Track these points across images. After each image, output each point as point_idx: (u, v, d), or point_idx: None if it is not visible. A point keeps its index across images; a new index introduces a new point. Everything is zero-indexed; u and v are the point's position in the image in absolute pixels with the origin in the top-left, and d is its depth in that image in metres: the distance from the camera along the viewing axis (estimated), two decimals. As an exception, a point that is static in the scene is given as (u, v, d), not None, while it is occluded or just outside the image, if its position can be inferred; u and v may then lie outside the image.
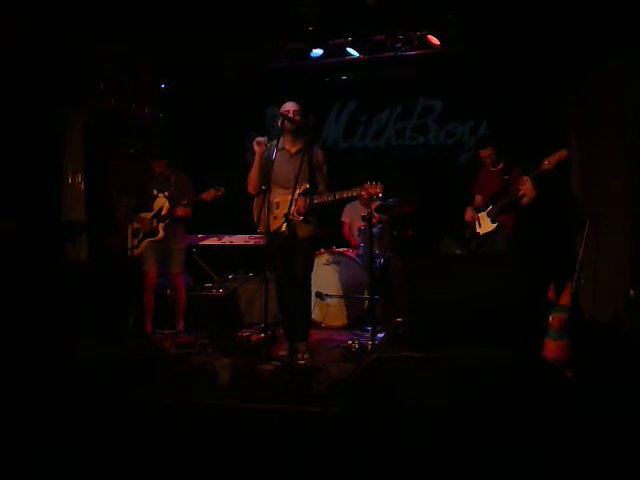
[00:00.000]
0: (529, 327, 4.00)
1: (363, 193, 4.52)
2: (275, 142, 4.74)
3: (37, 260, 5.50)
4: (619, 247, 5.17)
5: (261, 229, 4.74)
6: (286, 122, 4.65)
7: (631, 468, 2.59)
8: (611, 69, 5.33)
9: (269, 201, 4.64)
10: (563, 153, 4.74)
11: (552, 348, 3.80)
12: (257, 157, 4.81)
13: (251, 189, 4.88)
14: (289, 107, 4.76)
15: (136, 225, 5.68)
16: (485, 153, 5.49)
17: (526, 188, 4.93)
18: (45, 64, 5.89)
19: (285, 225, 4.48)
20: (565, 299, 3.90)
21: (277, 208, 4.71)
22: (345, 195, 4.62)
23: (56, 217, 6.19)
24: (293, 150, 4.78)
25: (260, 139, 4.82)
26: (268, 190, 4.61)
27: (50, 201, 6.14)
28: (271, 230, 4.64)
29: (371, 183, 4.49)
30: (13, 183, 5.72)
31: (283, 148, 4.78)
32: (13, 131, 5.78)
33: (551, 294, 3.95)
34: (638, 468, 2.58)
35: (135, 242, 5.64)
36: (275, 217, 4.67)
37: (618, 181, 5.30)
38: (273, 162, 4.61)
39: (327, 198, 4.64)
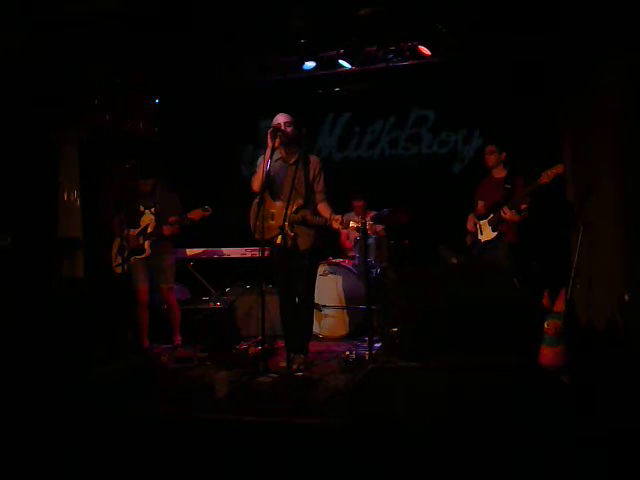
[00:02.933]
0: (525, 334, 4.01)
1: (352, 225, 4.49)
2: (268, 154, 4.66)
3: (33, 276, 5.51)
4: (614, 253, 5.19)
5: (257, 236, 4.70)
6: (279, 134, 4.64)
7: (626, 473, 2.61)
8: (605, 77, 5.37)
9: (264, 210, 4.63)
10: (560, 168, 4.91)
11: (548, 354, 3.82)
12: (269, 151, 4.66)
13: (256, 187, 4.75)
14: (280, 119, 4.73)
15: (123, 242, 5.58)
16: (489, 149, 5.60)
17: (508, 217, 5.18)
18: (40, 81, 5.91)
19: (280, 238, 4.45)
20: (560, 305, 3.93)
21: (272, 219, 4.71)
22: (331, 223, 4.59)
23: (51, 233, 6.19)
24: (291, 160, 4.78)
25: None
26: (262, 199, 4.61)
27: (45, 217, 6.15)
28: (265, 237, 4.61)
29: (362, 219, 4.47)
30: (8, 200, 5.74)
31: (280, 159, 4.80)
32: (8, 147, 5.80)
33: (546, 301, 3.98)
34: (632, 474, 2.60)
35: (119, 260, 5.53)
36: (269, 227, 4.66)
37: (612, 187, 5.33)
38: (269, 173, 4.61)
39: (315, 221, 4.66)
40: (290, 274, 4.76)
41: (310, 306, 4.99)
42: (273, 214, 4.72)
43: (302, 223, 4.67)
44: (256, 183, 4.75)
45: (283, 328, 4.91)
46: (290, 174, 4.67)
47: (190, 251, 6.74)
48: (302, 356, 4.76)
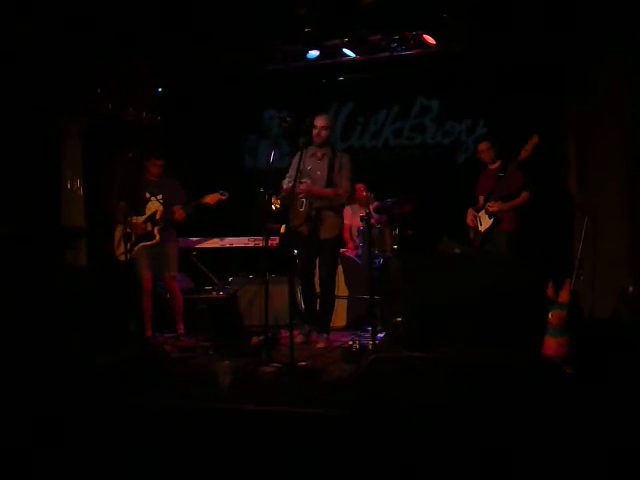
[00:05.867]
0: (529, 325, 4.01)
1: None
2: (304, 151, 5.06)
3: (36, 265, 5.51)
4: (617, 243, 5.18)
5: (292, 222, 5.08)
6: (314, 135, 5.16)
7: (631, 466, 2.60)
8: (610, 68, 5.35)
9: (296, 196, 5.03)
10: (534, 139, 5.08)
11: (552, 345, 3.80)
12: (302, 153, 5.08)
13: (286, 186, 5.20)
14: (319, 123, 5.17)
15: (127, 229, 5.50)
16: (482, 147, 5.67)
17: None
18: (42, 70, 5.90)
19: (306, 228, 5.07)
20: (564, 296, 3.90)
21: (301, 207, 5.13)
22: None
23: (54, 222, 6.19)
24: (319, 155, 5.27)
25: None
26: (294, 184, 4.89)
27: (48, 206, 6.15)
28: (292, 224, 5.05)
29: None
30: (11, 189, 5.74)
31: (313, 155, 5.26)
32: (11, 137, 5.79)
33: (550, 291, 3.95)
34: (637, 466, 2.59)
35: (122, 248, 5.48)
36: (298, 215, 5.09)
37: (616, 178, 5.32)
38: (302, 167, 4.98)
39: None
40: (311, 260, 5.32)
41: (332, 291, 5.38)
42: (303, 202, 5.13)
43: (329, 208, 5.18)
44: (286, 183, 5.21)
45: (304, 304, 5.55)
46: (320, 166, 5.22)
47: (201, 242, 6.79)
48: (325, 335, 5.28)
